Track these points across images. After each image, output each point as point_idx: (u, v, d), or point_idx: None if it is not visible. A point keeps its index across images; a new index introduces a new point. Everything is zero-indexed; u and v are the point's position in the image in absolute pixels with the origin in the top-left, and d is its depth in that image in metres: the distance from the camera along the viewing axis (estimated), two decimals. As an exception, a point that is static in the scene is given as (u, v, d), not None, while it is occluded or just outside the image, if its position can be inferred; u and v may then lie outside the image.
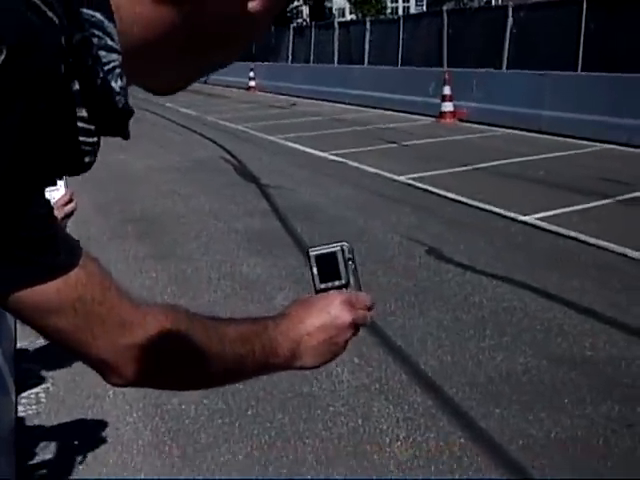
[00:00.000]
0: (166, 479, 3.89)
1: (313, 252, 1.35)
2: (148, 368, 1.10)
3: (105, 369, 1.09)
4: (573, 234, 7.95)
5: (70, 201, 2.51)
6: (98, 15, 0.66)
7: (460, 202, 9.68)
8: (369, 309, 1.35)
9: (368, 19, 30.24)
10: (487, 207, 9.29)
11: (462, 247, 7.65)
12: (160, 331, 1.10)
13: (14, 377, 4.72)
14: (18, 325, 5.39)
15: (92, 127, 0.69)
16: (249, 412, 4.54)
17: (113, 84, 0.68)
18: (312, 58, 31.62)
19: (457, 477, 3.82)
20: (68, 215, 2.49)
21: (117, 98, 0.69)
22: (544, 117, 16.10)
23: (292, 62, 33.37)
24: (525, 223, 8.56)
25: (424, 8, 72.89)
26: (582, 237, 7.82)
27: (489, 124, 17.18)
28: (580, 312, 5.84)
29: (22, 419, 4.51)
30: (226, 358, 1.19)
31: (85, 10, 0.65)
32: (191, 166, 13.04)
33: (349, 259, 1.35)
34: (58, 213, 2.15)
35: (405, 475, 3.86)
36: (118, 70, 0.68)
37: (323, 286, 1.34)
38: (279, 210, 9.53)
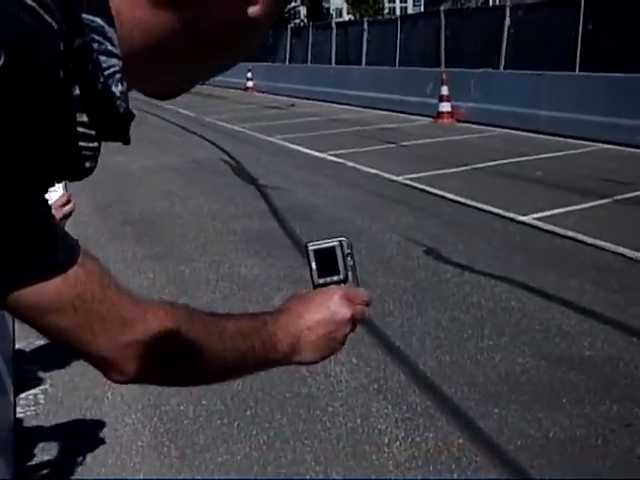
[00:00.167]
0: (165, 479, 3.90)
1: (312, 247, 1.35)
2: (149, 365, 1.11)
3: (106, 366, 1.09)
4: (571, 234, 7.95)
5: (68, 202, 2.51)
6: (98, 20, 0.66)
7: (458, 202, 9.68)
8: (367, 304, 1.35)
9: (365, 19, 30.26)
10: (485, 207, 9.29)
11: (460, 247, 7.65)
12: (160, 327, 1.10)
13: (12, 378, 4.72)
14: (16, 326, 5.39)
15: (93, 132, 0.69)
16: (248, 413, 4.54)
17: (114, 89, 0.68)
18: (310, 58, 31.64)
19: (456, 477, 3.82)
20: (66, 216, 2.49)
21: (118, 103, 0.69)
22: (542, 117, 16.11)
23: (290, 63, 33.38)
24: (523, 223, 8.56)
25: (421, 8, 73.11)
26: (580, 237, 7.83)
27: (487, 124, 17.19)
28: (578, 312, 5.85)
29: (20, 420, 4.51)
30: (226, 354, 1.20)
31: (85, 15, 0.65)
32: (189, 167, 13.04)
33: (348, 254, 1.35)
34: (56, 214, 2.15)
35: (404, 475, 3.86)
36: (118, 75, 0.68)
37: (321, 281, 1.34)
38: (277, 211, 9.53)
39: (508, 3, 20.03)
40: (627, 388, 4.68)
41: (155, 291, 6.44)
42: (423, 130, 17.31)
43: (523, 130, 16.15)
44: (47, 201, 0.93)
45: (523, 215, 8.79)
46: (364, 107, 22.44)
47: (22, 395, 4.79)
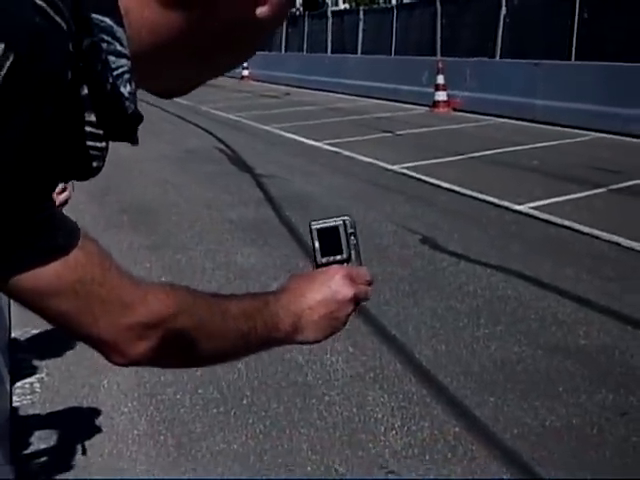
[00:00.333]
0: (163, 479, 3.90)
1: (315, 225, 1.34)
2: (151, 347, 1.10)
3: (108, 349, 1.09)
4: (567, 223, 7.96)
5: (64, 190, 2.51)
6: (107, 20, 0.66)
7: (454, 191, 9.68)
8: (369, 284, 1.34)
9: (362, 8, 30.19)
10: (481, 196, 9.29)
11: (456, 236, 7.65)
12: (162, 309, 1.10)
13: (8, 367, 4.72)
14: (12, 315, 5.39)
15: (100, 132, 0.69)
16: (244, 401, 4.54)
17: (122, 89, 0.68)
18: (306, 47, 31.58)
19: (453, 466, 3.83)
20: (62, 204, 2.48)
21: (127, 104, 0.68)
22: (538, 106, 16.11)
23: (286, 51, 33.32)
24: (519, 212, 8.56)
25: (417, -3, 72.78)
26: (576, 226, 7.84)
27: (483, 113, 17.18)
28: (574, 301, 5.86)
29: (17, 409, 4.51)
30: (229, 334, 1.20)
31: (94, 15, 0.64)
32: (185, 156, 13.02)
33: (351, 233, 1.34)
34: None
35: (400, 464, 3.86)
36: (127, 75, 0.68)
37: (324, 260, 1.33)
38: (273, 199, 9.53)
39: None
40: (622, 377, 4.69)
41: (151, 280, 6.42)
42: (419, 119, 17.30)
43: (519, 119, 16.15)
44: None
45: (519, 204, 8.80)
46: (360, 96, 22.42)
47: (18, 384, 4.79)
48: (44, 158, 0.66)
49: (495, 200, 9.05)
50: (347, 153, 12.77)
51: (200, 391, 4.65)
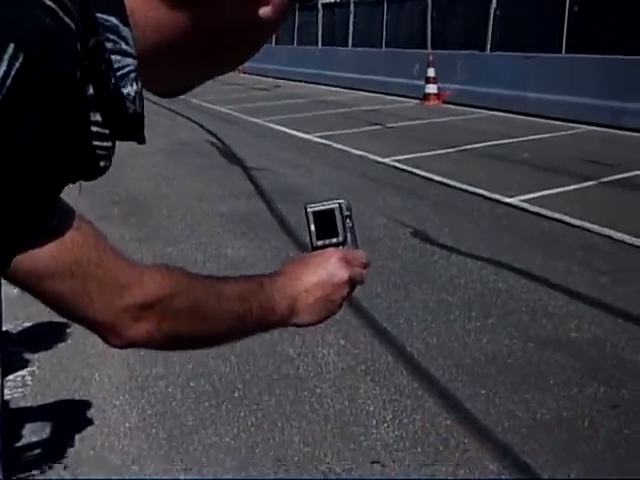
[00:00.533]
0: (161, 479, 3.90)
1: (311, 208, 1.33)
2: (147, 328, 1.11)
3: (104, 331, 1.09)
4: (558, 216, 7.97)
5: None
6: (113, 19, 0.65)
7: (445, 184, 9.70)
8: (365, 267, 1.34)
9: (352, 0, 30.13)
10: (472, 189, 9.30)
11: (447, 229, 7.66)
12: (158, 291, 1.10)
13: (0, 360, 4.70)
14: (4, 307, 5.37)
15: (106, 131, 0.69)
16: (235, 394, 4.54)
17: (126, 89, 0.67)
18: (296, 40, 31.53)
19: (444, 459, 3.84)
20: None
21: (127, 104, 0.68)
22: (529, 99, 16.13)
23: (276, 44, 33.25)
24: (510, 205, 8.58)
25: (408, -10, 72.69)
26: (567, 219, 7.85)
27: (473, 106, 17.20)
28: (565, 293, 5.87)
29: (8, 402, 4.50)
30: (224, 316, 1.20)
31: (99, 14, 0.64)
32: (176, 149, 13.00)
33: (347, 216, 1.34)
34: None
35: (391, 456, 3.87)
36: (133, 75, 0.68)
37: (320, 243, 1.33)
38: (264, 192, 9.52)
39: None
40: (614, 369, 4.70)
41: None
42: (409, 112, 17.30)
43: (510, 112, 16.17)
44: None
45: (510, 197, 8.81)
46: (350, 89, 22.42)
47: (10, 377, 4.78)
48: (52, 159, 0.66)
49: (486, 193, 9.06)
50: (338, 146, 12.77)
51: (192, 384, 4.64)
